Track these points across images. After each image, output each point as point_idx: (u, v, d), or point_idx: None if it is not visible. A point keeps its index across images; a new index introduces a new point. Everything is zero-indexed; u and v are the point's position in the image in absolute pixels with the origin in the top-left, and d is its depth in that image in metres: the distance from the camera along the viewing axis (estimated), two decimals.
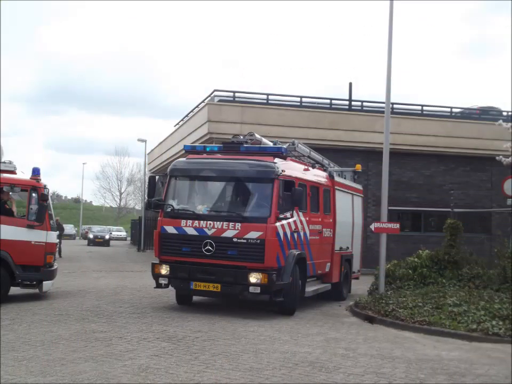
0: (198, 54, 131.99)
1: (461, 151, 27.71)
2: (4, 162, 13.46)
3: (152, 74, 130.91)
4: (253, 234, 11.52)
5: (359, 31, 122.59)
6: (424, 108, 29.72)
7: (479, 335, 10.02)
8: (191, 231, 11.97)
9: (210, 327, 10.40)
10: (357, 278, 17.43)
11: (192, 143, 23.91)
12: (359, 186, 18.17)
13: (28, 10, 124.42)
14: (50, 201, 13.87)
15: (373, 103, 29.48)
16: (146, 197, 14.70)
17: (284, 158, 12.83)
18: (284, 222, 11.90)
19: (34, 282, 13.05)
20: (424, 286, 14.16)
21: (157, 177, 14.19)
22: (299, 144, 14.40)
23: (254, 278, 11.44)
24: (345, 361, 8.14)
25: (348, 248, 16.08)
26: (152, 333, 9.65)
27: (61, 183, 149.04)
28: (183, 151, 14.56)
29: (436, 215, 27.94)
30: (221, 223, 11.75)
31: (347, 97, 29.12)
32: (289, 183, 11.96)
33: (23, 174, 13.56)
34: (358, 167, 17.40)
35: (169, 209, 12.38)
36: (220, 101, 27.09)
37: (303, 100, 28.14)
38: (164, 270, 12.19)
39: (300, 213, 12.69)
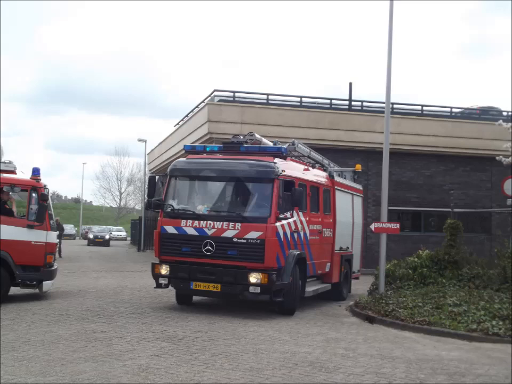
0: (198, 54, 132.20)
1: (461, 151, 27.70)
2: (4, 162, 13.48)
3: (152, 74, 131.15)
4: (253, 234, 11.52)
5: (359, 31, 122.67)
6: (424, 108, 29.70)
7: (479, 335, 10.01)
8: (191, 231, 11.97)
9: (210, 327, 10.40)
10: (357, 278, 17.42)
11: (192, 143, 23.89)
12: (359, 186, 18.17)
13: (28, 10, 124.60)
14: (50, 201, 13.87)
15: (373, 103, 29.49)
16: (146, 197, 14.69)
17: (284, 158, 12.83)
18: (284, 222, 11.89)
19: (34, 282, 13.03)
20: (424, 286, 14.15)
21: (157, 177, 14.17)
22: (299, 144, 14.39)
23: (254, 278, 11.44)
24: (345, 361, 8.13)
25: (348, 248, 16.07)
26: (152, 333, 9.65)
27: (61, 183, 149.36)
28: (183, 151, 14.55)
29: (436, 215, 27.94)
30: (221, 223, 11.75)
31: (347, 97, 29.10)
32: (289, 183, 11.96)
33: (23, 174, 13.57)
34: (358, 167, 17.39)
35: (169, 209, 12.38)
36: (220, 101, 27.08)
37: (303, 100, 28.13)
38: (164, 270, 12.19)
39: (300, 213, 12.69)
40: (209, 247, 11.74)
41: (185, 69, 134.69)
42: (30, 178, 13.20)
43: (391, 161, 14.96)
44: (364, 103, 29.36)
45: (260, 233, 11.49)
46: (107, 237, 49.28)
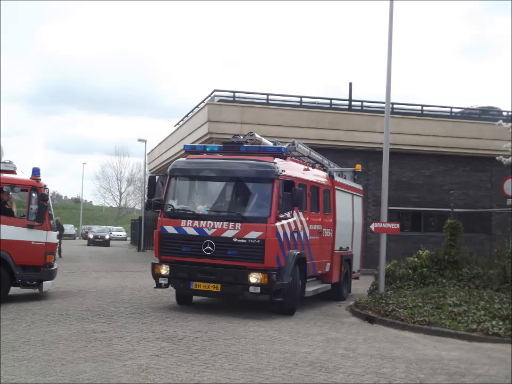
0: (198, 54, 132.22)
1: (461, 151, 27.70)
2: (4, 162, 13.48)
3: (152, 74, 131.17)
4: (253, 234, 11.51)
5: (359, 31, 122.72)
6: (424, 107, 29.70)
7: (479, 335, 10.01)
8: (191, 231, 11.97)
9: (210, 327, 10.40)
10: (357, 278, 17.42)
11: (192, 143, 23.89)
12: (359, 186, 18.17)
13: (28, 10, 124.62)
14: (50, 201, 13.87)
15: (373, 103, 29.48)
16: (146, 197, 14.69)
17: (284, 158, 12.83)
18: (284, 222, 11.89)
19: (34, 282, 13.03)
20: (424, 286, 14.15)
21: (157, 177, 14.17)
22: (299, 144, 14.39)
23: (254, 278, 11.44)
24: (345, 361, 8.13)
25: (348, 248, 16.07)
26: (152, 333, 9.65)
27: (61, 183, 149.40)
28: (183, 151, 14.55)
29: (436, 215, 27.94)
30: (221, 223, 11.75)
31: (347, 97, 29.10)
32: (289, 183, 11.96)
33: (23, 174, 13.56)
34: (358, 167, 17.39)
35: (169, 209, 12.38)
36: (220, 101, 27.08)
37: (303, 100, 28.12)
38: (164, 270, 12.19)
39: (300, 213, 12.69)
40: (209, 247, 11.74)
41: (185, 69, 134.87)
42: (30, 178, 13.20)
43: (391, 161, 14.96)
44: (364, 103, 29.37)
45: (260, 233, 11.49)
46: (107, 237, 49.28)
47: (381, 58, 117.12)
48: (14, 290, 13.24)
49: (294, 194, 11.74)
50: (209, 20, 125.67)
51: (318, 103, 29.08)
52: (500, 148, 16.23)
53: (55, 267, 13.73)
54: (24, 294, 13.86)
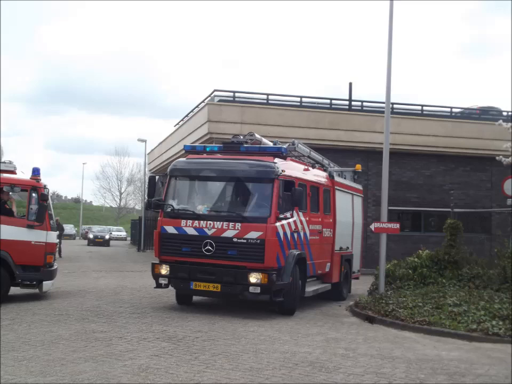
0: (198, 54, 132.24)
1: (461, 151, 27.71)
2: (4, 162, 13.48)
3: (152, 74, 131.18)
4: (253, 234, 11.51)
5: (359, 31, 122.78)
6: (424, 107, 29.70)
7: (479, 335, 10.01)
8: (191, 231, 11.97)
9: (210, 327, 10.40)
10: (357, 278, 17.42)
11: (192, 143, 23.88)
12: (359, 186, 18.17)
13: (28, 10, 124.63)
14: (50, 201, 13.87)
15: (373, 103, 29.48)
16: (146, 197, 14.69)
17: (284, 158, 12.83)
18: (284, 222, 11.89)
19: (34, 282, 13.03)
20: (424, 286, 14.16)
21: (157, 177, 14.17)
22: (299, 144, 14.38)
23: (254, 278, 11.44)
24: (345, 361, 8.13)
25: (348, 248, 16.07)
26: (152, 333, 9.65)
27: (61, 183, 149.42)
28: (183, 151, 14.56)
29: (436, 215, 27.94)
30: (221, 223, 11.75)
31: (347, 97, 29.10)
32: (289, 183, 11.96)
33: (23, 174, 13.57)
34: (358, 167, 17.38)
35: (169, 209, 12.38)
36: (220, 101, 27.08)
37: (303, 99, 28.12)
38: (164, 270, 12.19)
39: (300, 213, 12.69)
40: (209, 247, 11.74)
41: (185, 69, 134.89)
42: (30, 178, 13.20)
43: (391, 161, 14.97)
44: (364, 103, 29.36)
45: (260, 233, 11.49)
46: (107, 237, 49.27)
47: (381, 58, 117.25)
48: (14, 290, 13.24)
49: (294, 194, 11.74)
50: (209, 19, 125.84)
51: (318, 103, 29.08)
52: (500, 148, 16.22)
53: (55, 267, 13.73)
54: (24, 294, 13.86)
